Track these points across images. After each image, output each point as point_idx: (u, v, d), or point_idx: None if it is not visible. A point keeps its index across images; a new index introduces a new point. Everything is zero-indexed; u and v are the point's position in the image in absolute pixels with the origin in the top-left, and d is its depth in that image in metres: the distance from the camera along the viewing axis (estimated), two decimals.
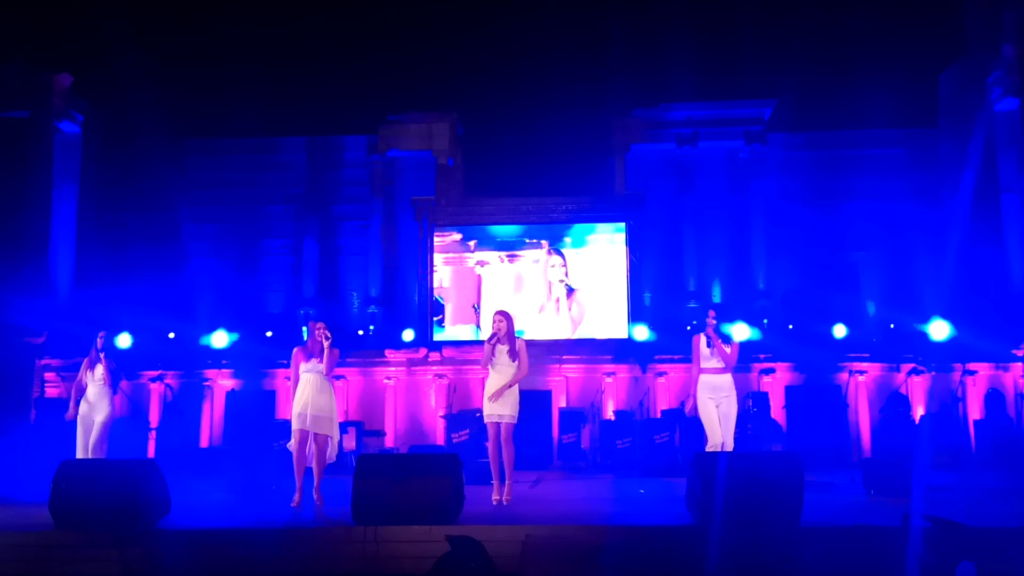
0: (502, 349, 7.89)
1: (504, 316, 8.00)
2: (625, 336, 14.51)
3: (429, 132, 16.39)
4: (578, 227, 15.18)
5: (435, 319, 15.08)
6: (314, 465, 7.96)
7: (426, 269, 15.33)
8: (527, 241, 15.20)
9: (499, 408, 7.83)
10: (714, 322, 8.09)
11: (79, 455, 9.00)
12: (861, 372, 13.55)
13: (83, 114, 15.93)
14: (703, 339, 8.11)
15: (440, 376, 14.33)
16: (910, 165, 16.26)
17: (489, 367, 7.94)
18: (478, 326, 14.85)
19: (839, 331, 13.72)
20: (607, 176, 16.35)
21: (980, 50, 14.83)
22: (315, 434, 7.92)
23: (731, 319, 8.57)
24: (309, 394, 7.93)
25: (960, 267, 14.38)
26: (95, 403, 9.17)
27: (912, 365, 13.43)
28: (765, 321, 14.66)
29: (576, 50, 16.35)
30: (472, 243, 15.28)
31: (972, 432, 12.38)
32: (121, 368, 9.67)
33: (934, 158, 16.08)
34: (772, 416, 12.51)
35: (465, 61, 16.89)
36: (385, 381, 14.49)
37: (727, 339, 8.12)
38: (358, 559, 6.10)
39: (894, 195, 16.10)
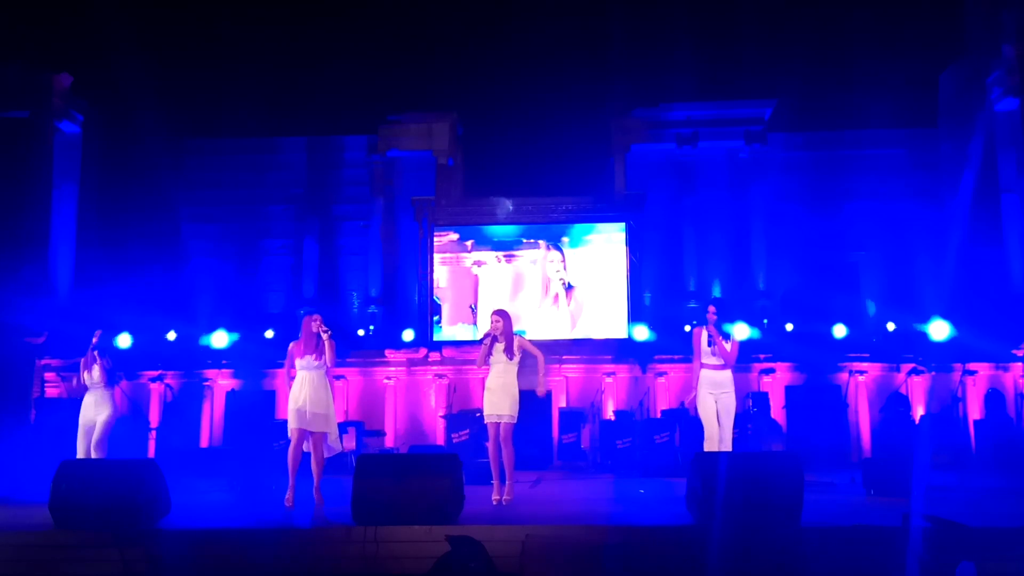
0: (499, 347, 7.92)
1: (502, 315, 8.03)
2: (625, 336, 14.52)
3: (429, 132, 16.41)
4: (578, 227, 15.18)
5: (435, 319, 15.09)
6: (313, 465, 7.96)
7: (426, 269, 15.34)
8: (524, 241, 15.20)
9: (499, 408, 7.84)
10: (714, 317, 8.10)
11: (79, 455, 8.99)
12: (861, 372, 13.54)
13: (83, 114, 15.91)
14: (704, 334, 8.11)
15: (440, 376, 14.32)
16: (910, 165, 16.28)
17: (488, 366, 7.97)
18: (475, 326, 14.85)
19: (839, 331, 13.75)
20: (607, 176, 16.36)
21: (980, 50, 14.83)
22: (312, 432, 7.91)
23: (731, 319, 8.56)
24: (308, 392, 7.90)
25: (960, 267, 14.38)
26: (95, 403, 9.16)
27: (912, 365, 13.42)
28: (765, 321, 14.68)
29: (576, 50, 16.35)
30: (469, 243, 15.28)
31: (972, 432, 12.36)
32: (118, 366, 9.66)
33: (934, 158, 16.08)
34: (772, 416, 12.50)
35: (465, 61, 16.91)
36: (385, 381, 14.48)
37: (727, 336, 8.13)
38: (358, 559, 6.10)
39: (894, 195, 16.11)
